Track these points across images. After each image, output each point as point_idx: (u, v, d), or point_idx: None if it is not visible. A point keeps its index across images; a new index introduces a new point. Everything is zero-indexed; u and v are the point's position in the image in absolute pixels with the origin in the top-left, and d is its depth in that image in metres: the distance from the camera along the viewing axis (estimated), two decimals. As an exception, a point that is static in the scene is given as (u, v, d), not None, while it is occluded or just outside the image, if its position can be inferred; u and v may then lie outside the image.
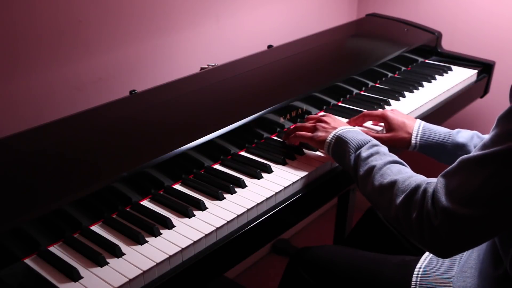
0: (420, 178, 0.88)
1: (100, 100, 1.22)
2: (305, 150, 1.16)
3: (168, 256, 0.84)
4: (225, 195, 1.00)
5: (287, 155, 1.14)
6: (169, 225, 0.92)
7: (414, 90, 1.52)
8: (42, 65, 1.27)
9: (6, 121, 1.23)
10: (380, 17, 1.94)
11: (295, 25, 1.92)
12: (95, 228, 0.93)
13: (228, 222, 0.93)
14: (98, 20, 1.35)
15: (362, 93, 1.50)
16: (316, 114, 1.34)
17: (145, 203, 1.00)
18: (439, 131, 1.16)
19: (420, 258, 1.07)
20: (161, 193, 1.02)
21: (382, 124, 1.26)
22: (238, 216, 0.95)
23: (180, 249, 0.86)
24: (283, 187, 1.03)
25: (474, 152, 0.78)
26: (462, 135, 1.14)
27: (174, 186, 1.05)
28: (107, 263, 0.84)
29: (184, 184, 1.05)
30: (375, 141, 1.03)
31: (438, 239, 0.79)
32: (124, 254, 0.86)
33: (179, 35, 1.55)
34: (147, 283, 0.82)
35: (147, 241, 0.88)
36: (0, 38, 1.18)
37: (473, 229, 0.77)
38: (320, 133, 1.10)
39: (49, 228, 0.88)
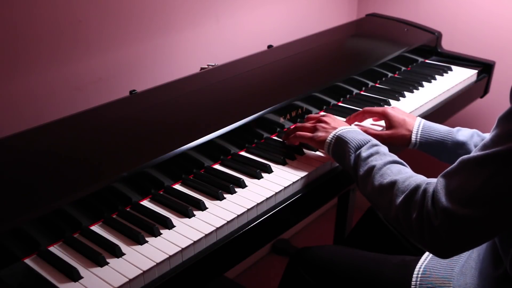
0: (420, 178, 0.88)
1: (100, 100, 1.22)
2: (305, 150, 1.16)
3: (168, 256, 0.84)
4: (225, 195, 1.00)
5: (287, 155, 1.14)
6: (169, 225, 0.91)
7: (414, 90, 1.51)
8: (42, 65, 1.27)
9: (6, 121, 1.23)
10: (380, 17, 1.94)
11: (295, 25, 1.92)
12: (95, 228, 0.93)
13: (228, 222, 0.93)
14: (98, 20, 1.35)
15: (362, 93, 1.50)
16: (316, 114, 1.34)
17: (145, 203, 1.00)
18: (439, 129, 1.16)
19: (420, 258, 1.07)
20: (161, 193, 1.02)
21: (383, 123, 1.25)
22: (238, 216, 0.94)
23: (180, 249, 0.86)
24: (283, 187, 1.03)
25: (474, 153, 0.78)
26: (462, 133, 1.14)
27: (174, 186, 1.05)
28: (107, 263, 0.84)
29: (184, 184, 1.05)
30: (375, 141, 1.03)
31: (438, 239, 0.79)
32: (124, 254, 0.85)
33: (179, 35, 1.55)
34: (147, 283, 0.82)
35: (147, 241, 0.88)
36: (0, 38, 1.18)
37: (473, 230, 0.76)
38: (320, 133, 1.10)
39: (49, 228, 0.88)
